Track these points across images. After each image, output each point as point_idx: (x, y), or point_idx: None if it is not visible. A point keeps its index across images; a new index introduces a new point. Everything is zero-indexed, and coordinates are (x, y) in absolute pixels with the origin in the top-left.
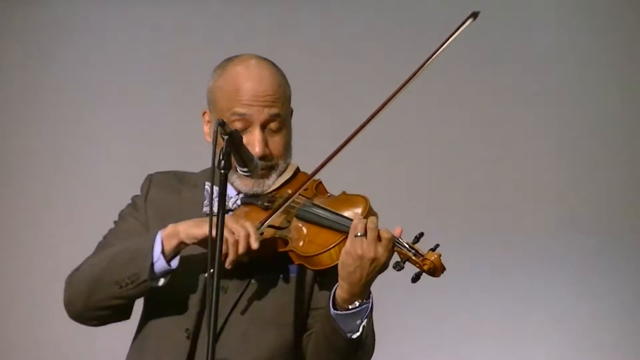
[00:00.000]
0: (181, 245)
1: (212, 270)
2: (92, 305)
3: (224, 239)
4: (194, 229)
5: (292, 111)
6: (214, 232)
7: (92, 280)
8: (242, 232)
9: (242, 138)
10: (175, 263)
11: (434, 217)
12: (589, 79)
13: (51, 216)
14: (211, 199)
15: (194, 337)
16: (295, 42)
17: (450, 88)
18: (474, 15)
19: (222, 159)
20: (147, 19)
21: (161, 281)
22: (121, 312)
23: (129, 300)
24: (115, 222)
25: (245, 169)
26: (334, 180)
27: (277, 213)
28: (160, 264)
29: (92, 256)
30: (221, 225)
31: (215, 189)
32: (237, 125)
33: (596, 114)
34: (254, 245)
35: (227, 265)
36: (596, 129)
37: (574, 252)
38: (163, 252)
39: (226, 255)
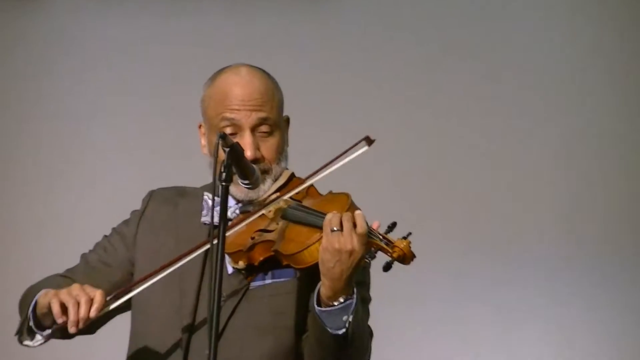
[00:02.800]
0: (43, 317)
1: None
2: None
3: (61, 303)
4: (43, 299)
5: (288, 119)
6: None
7: (19, 306)
8: (84, 298)
9: (243, 151)
10: (47, 331)
11: (428, 225)
12: (594, 90)
13: (52, 227)
14: (211, 209)
15: (186, 349)
16: (294, 52)
17: (451, 97)
18: (368, 141)
19: (224, 171)
20: (147, 30)
21: (37, 341)
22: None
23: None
24: (104, 236)
25: (246, 182)
26: (327, 182)
27: (256, 216)
28: (33, 325)
29: (65, 271)
30: (222, 238)
31: (215, 199)
32: (227, 130)
33: (603, 128)
34: (92, 314)
35: (70, 328)
36: (601, 140)
37: (575, 263)
38: (35, 312)
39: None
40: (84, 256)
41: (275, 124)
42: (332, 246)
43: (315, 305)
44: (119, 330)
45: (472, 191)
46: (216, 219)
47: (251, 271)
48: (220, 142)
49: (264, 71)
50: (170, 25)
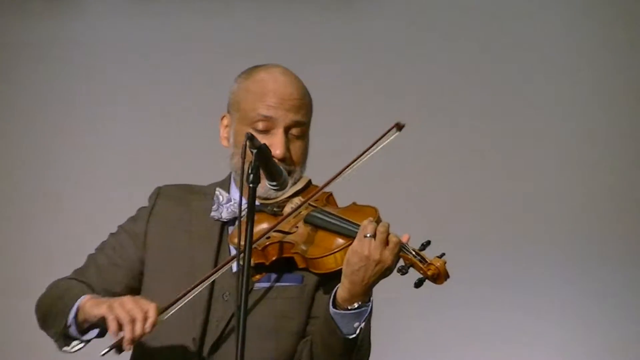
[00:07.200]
0: (86, 322)
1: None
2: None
3: (117, 320)
4: (93, 309)
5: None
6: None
7: (42, 315)
8: (140, 315)
9: (270, 152)
10: (91, 334)
11: (442, 230)
12: (609, 95)
13: (60, 220)
14: (239, 206)
15: (199, 345)
16: (311, 55)
17: (463, 105)
18: (399, 127)
19: (251, 172)
20: (171, 30)
21: (75, 346)
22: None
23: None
24: (110, 234)
25: (274, 183)
26: (345, 195)
27: (287, 219)
28: (72, 330)
29: (74, 273)
30: (250, 237)
31: (225, 195)
32: (260, 126)
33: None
34: (147, 329)
35: (125, 347)
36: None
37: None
38: (76, 318)
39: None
40: (92, 257)
41: (306, 129)
42: (362, 251)
43: (331, 307)
44: None
45: (485, 195)
46: (225, 215)
47: (259, 270)
48: (248, 143)
49: (297, 76)
50: (192, 26)
